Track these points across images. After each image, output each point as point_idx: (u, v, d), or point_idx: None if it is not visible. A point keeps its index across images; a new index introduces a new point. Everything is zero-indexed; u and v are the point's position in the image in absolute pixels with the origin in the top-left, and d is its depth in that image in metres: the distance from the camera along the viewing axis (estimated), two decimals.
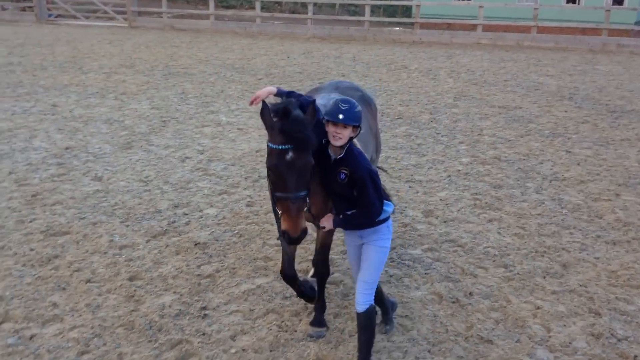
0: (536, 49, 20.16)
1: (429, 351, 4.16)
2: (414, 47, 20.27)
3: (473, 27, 22.44)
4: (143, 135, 9.24)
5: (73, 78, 13.56)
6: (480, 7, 21.78)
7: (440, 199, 6.89)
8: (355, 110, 3.51)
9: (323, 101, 4.06)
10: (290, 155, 3.30)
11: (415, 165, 8.03)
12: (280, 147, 3.31)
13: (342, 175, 3.55)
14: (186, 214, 6.37)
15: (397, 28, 24.05)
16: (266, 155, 3.48)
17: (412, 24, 23.42)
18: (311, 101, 3.60)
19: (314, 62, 16.39)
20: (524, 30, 21.96)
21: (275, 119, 3.39)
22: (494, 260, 5.46)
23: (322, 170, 3.63)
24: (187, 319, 4.49)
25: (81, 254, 5.45)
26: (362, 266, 3.79)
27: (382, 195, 3.62)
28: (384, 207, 3.68)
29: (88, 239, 5.76)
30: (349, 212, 3.63)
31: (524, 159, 8.33)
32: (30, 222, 6.08)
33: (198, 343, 4.20)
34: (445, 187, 7.28)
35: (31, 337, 4.25)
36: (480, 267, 5.32)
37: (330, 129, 3.51)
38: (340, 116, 3.45)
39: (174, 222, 6.18)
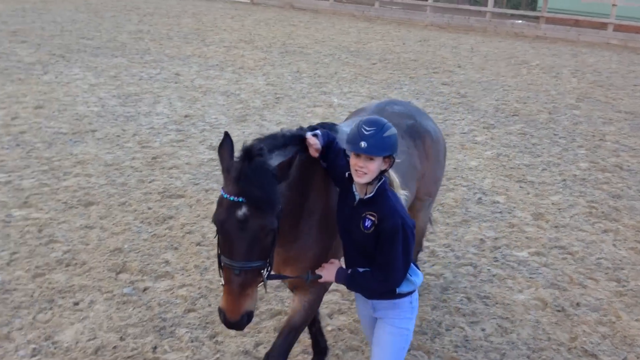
0: None
1: (527, 357, 4.04)
2: (537, 42, 19.38)
3: (603, 26, 21.03)
4: (257, 109, 9.52)
5: (196, 49, 14.16)
6: (613, 5, 20.38)
7: (553, 203, 6.61)
8: (384, 135, 2.62)
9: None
10: (243, 211, 2.52)
11: (528, 166, 7.74)
12: (232, 198, 2.55)
13: (368, 223, 2.69)
14: None
15: (521, 21, 23.04)
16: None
17: (537, 17, 22.35)
18: (294, 157, 2.69)
19: (430, 51, 16.10)
20: None
21: (235, 160, 2.65)
22: (606, 273, 5.18)
23: (343, 214, 2.85)
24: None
25: (193, 218, 5.75)
26: (373, 350, 2.92)
27: (410, 259, 2.73)
28: (410, 277, 2.80)
29: (200, 204, 6.05)
30: (360, 269, 2.79)
31: None
32: (150, 182, 6.48)
33: None
34: (559, 191, 6.96)
35: (144, 290, 4.55)
36: (590, 278, 5.08)
37: (352, 160, 2.68)
38: (362, 144, 2.59)
39: None
